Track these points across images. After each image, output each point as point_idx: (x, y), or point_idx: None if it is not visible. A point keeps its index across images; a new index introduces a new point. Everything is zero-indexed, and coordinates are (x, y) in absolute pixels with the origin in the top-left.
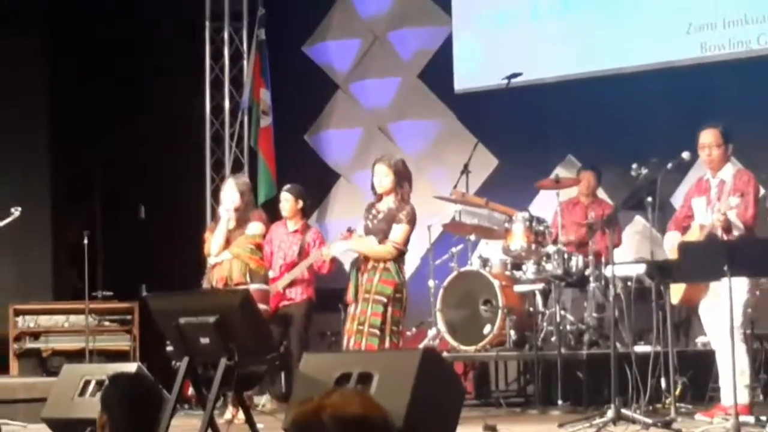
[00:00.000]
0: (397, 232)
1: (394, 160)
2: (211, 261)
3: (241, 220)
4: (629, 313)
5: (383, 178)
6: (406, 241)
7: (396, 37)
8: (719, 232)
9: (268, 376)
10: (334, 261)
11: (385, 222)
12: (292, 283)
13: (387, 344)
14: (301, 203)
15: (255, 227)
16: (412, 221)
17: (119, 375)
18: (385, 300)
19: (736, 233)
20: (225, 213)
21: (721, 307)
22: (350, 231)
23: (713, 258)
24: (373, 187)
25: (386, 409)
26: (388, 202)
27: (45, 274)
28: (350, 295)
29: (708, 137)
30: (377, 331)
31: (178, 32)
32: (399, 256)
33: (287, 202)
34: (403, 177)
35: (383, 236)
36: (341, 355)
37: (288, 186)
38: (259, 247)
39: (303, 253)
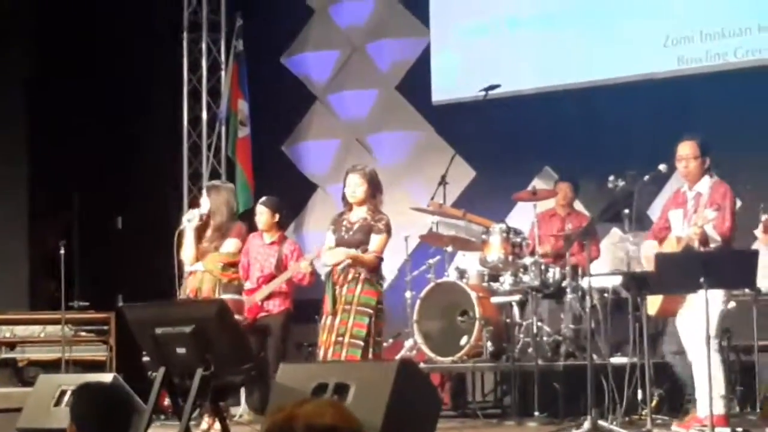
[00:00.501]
0: (377, 242)
1: (368, 170)
2: (186, 269)
3: (218, 229)
4: (606, 325)
5: (357, 188)
6: (383, 250)
7: (374, 49)
8: (696, 245)
9: (245, 387)
10: (314, 273)
11: (361, 232)
12: (270, 296)
13: (370, 355)
14: (277, 216)
15: (230, 245)
16: (389, 231)
17: (87, 385)
18: (370, 311)
19: (712, 245)
20: (187, 222)
21: (696, 318)
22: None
23: (689, 270)
24: (344, 198)
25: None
26: (361, 213)
27: (21, 284)
28: (328, 306)
29: (685, 149)
30: (360, 342)
31: (156, 43)
32: (379, 265)
33: (262, 215)
34: (376, 187)
35: (358, 247)
36: (318, 366)
37: (263, 199)
38: (232, 265)
39: (280, 265)
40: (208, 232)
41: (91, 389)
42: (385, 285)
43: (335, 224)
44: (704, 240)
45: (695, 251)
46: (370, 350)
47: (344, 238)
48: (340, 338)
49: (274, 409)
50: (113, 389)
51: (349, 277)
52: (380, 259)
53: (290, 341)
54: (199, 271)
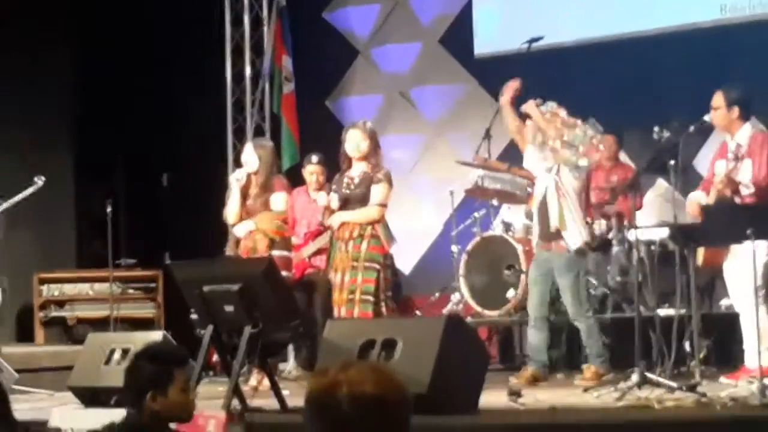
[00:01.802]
0: (378, 192)
1: (369, 125)
2: (235, 232)
3: (263, 186)
4: (653, 277)
5: (360, 142)
6: (386, 200)
7: (416, 2)
8: (728, 194)
9: (293, 344)
10: None
11: (363, 185)
12: (317, 252)
13: (383, 310)
14: (326, 174)
15: (279, 201)
16: (390, 181)
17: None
18: (377, 266)
19: (745, 192)
20: (235, 181)
21: (742, 269)
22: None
23: (736, 221)
24: (344, 154)
25: (409, 375)
26: (361, 167)
27: (69, 243)
28: (328, 264)
29: (713, 100)
30: (371, 297)
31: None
32: (382, 217)
33: (322, 174)
34: (376, 143)
35: (363, 200)
36: (365, 322)
37: (318, 157)
38: (284, 221)
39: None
40: (253, 190)
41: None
42: (430, 241)
43: (336, 183)
44: (735, 188)
45: (730, 201)
46: (382, 305)
47: (348, 194)
48: (351, 295)
49: (318, 370)
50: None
51: (355, 234)
52: (383, 208)
53: None
54: (251, 231)
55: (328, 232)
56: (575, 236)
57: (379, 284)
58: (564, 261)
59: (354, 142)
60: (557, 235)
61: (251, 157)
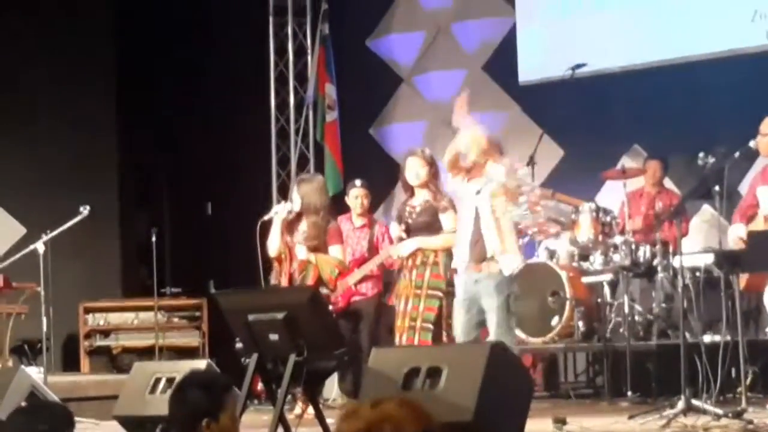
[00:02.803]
0: (449, 220)
1: (428, 152)
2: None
3: (317, 227)
4: (698, 303)
5: (419, 170)
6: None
7: (459, 29)
8: None
9: (338, 371)
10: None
11: (426, 214)
12: (362, 279)
13: (445, 338)
14: (370, 198)
15: (337, 252)
16: (455, 207)
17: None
18: (440, 294)
19: None
20: (274, 214)
21: None
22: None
23: None
24: (404, 183)
25: (454, 403)
26: (423, 195)
27: (114, 272)
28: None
29: (762, 125)
30: (430, 326)
31: (242, 28)
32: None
33: (366, 198)
34: (436, 169)
35: (427, 229)
36: (410, 350)
37: (361, 182)
38: (340, 272)
39: (372, 248)
40: (303, 227)
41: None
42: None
43: (399, 212)
44: None
45: None
46: (443, 333)
47: (410, 223)
48: (413, 323)
49: (347, 412)
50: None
51: (418, 261)
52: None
53: (383, 325)
54: (305, 261)
55: (373, 259)
56: (514, 261)
57: (441, 312)
58: (495, 283)
59: (413, 170)
60: (490, 257)
61: (295, 194)
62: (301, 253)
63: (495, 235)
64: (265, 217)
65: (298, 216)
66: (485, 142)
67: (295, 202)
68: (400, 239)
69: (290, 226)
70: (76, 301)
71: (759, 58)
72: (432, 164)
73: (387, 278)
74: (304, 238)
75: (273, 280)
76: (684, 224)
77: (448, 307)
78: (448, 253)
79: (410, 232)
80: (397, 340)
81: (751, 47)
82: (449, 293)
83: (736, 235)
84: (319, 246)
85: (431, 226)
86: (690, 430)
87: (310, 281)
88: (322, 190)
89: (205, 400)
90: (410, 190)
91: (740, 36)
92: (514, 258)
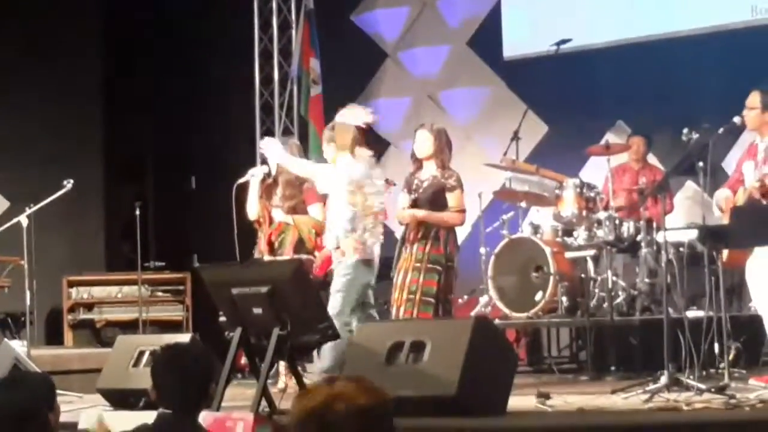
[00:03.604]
0: (455, 199)
1: (436, 127)
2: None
3: (292, 186)
4: (681, 279)
5: (425, 142)
6: (464, 205)
7: (444, 5)
8: (757, 196)
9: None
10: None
11: (432, 189)
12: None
13: (441, 313)
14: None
15: (316, 211)
16: (461, 185)
17: (168, 347)
18: (440, 268)
19: None
20: (251, 177)
21: (765, 270)
22: (388, 182)
23: (766, 222)
24: (413, 155)
25: (438, 377)
26: (430, 170)
27: (98, 246)
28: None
29: (748, 99)
30: (432, 299)
31: (227, 3)
32: (462, 221)
33: None
34: (443, 143)
35: (431, 203)
36: (393, 324)
37: None
38: (317, 233)
39: None
40: (279, 190)
41: (173, 352)
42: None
43: (407, 184)
44: (765, 192)
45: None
46: (441, 307)
47: (415, 196)
48: (411, 296)
49: (307, 391)
50: (195, 351)
51: (420, 235)
52: (464, 213)
53: None
54: (283, 223)
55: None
56: (352, 249)
57: (440, 286)
58: (343, 266)
59: (419, 142)
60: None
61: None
62: (279, 215)
63: (345, 221)
64: (241, 180)
65: (275, 180)
66: (353, 132)
67: (272, 166)
68: (404, 208)
69: (268, 190)
70: (60, 275)
71: (743, 33)
72: (438, 137)
73: (389, 252)
74: (281, 198)
75: (256, 254)
76: (668, 200)
77: (448, 282)
78: (451, 229)
79: (416, 204)
80: (393, 312)
81: (735, 22)
82: (450, 268)
83: (721, 197)
84: (296, 207)
85: (436, 201)
86: (673, 405)
87: (288, 245)
88: (298, 150)
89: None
90: (418, 163)
91: (724, 11)
92: (353, 246)
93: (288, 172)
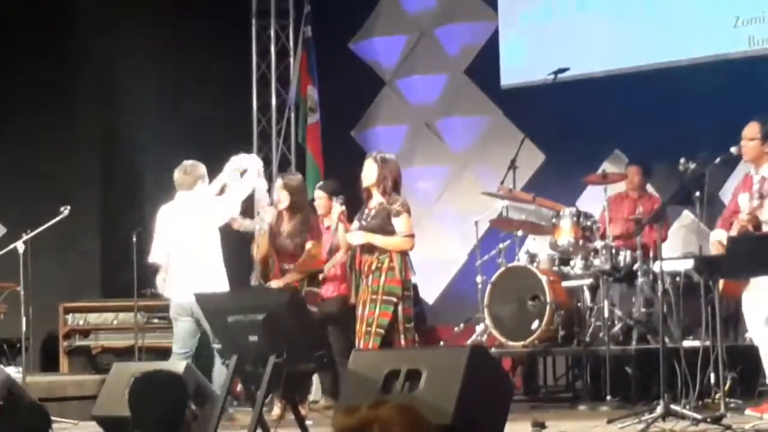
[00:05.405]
0: (401, 224)
1: (380, 155)
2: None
3: (303, 223)
4: (678, 308)
5: (369, 170)
6: (412, 229)
7: (442, 33)
8: (750, 229)
9: (318, 373)
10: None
11: (378, 217)
12: (324, 280)
13: (402, 342)
14: (334, 200)
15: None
16: (408, 210)
17: (142, 375)
18: (395, 300)
19: (766, 229)
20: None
21: (763, 301)
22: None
23: (761, 253)
24: (363, 188)
25: (433, 406)
26: (377, 198)
27: (94, 272)
28: (353, 296)
29: (745, 131)
30: (382, 331)
31: (225, 30)
32: (411, 245)
33: (320, 199)
34: (387, 171)
35: (379, 232)
36: (390, 352)
37: (321, 183)
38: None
39: (333, 250)
40: (285, 227)
41: (145, 380)
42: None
43: (359, 214)
44: (757, 225)
45: (763, 235)
46: (401, 337)
47: (364, 225)
48: (369, 328)
49: (347, 408)
50: (168, 379)
51: (373, 267)
52: (412, 237)
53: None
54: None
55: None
56: None
57: (396, 317)
58: None
59: (365, 171)
60: None
61: (281, 192)
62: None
63: None
64: (258, 230)
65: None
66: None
67: (282, 202)
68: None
69: (275, 228)
70: (56, 301)
71: (740, 63)
72: (383, 166)
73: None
74: (289, 235)
75: (253, 281)
76: (664, 229)
77: (405, 311)
78: (403, 257)
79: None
80: (356, 344)
81: (732, 53)
82: (405, 297)
83: (715, 239)
84: (303, 243)
85: (383, 228)
86: None
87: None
88: (303, 188)
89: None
90: (366, 192)
91: (722, 42)
92: None
93: (299, 208)
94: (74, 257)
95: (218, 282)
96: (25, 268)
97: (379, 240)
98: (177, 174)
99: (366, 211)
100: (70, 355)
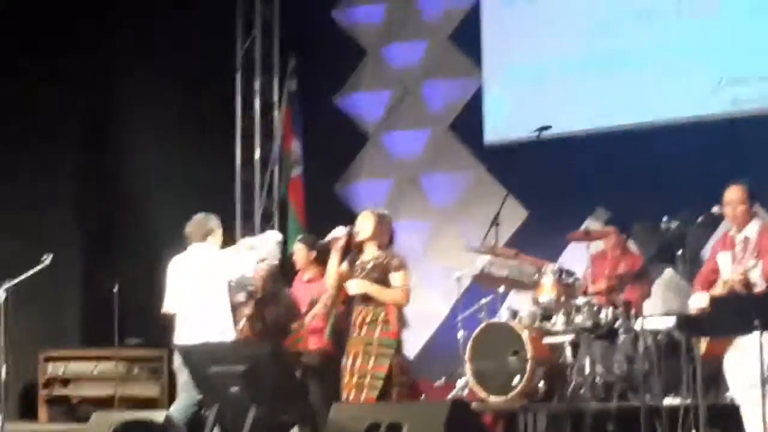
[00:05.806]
0: (401, 279)
1: (377, 210)
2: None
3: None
4: (659, 366)
5: (365, 222)
6: (410, 283)
7: (427, 89)
8: (739, 289)
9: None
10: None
11: (376, 271)
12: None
13: (395, 395)
14: (314, 253)
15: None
16: (407, 266)
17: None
18: (392, 351)
19: (756, 290)
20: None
21: (746, 361)
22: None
23: (744, 312)
24: (356, 243)
25: None
26: (372, 251)
27: (75, 321)
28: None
29: (732, 194)
30: (379, 383)
31: (208, 83)
32: (407, 300)
33: (299, 252)
34: (383, 225)
35: (376, 284)
36: (371, 406)
37: (300, 236)
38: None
39: (311, 303)
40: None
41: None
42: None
43: (350, 265)
44: (747, 285)
45: (749, 293)
46: (394, 389)
47: (360, 278)
48: (361, 380)
49: None
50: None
51: (368, 319)
52: (409, 293)
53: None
54: None
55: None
56: None
57: (391, 370)
58: None
59: (360, 225)
60: None
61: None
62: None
63: None
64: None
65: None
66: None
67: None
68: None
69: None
70: (36, 350)
71: (723, 124)
72: (379, 219)
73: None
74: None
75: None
76: (647, 287)
77: (400, 365)
78: (399, 311)
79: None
80: (344, 396)
81: (716, 114)
82: (400, 351)
83: (697, 306)
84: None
85: (382, 283)
86: None
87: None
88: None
89: None
90: (359, 246)
91: (705, 102)
92: None
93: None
94: (55, 306)
95: (226, 332)
96: (5, 317)
97: (377, 291)
98: (189, 226)
99: (360, 264)
100: (49, 404)
